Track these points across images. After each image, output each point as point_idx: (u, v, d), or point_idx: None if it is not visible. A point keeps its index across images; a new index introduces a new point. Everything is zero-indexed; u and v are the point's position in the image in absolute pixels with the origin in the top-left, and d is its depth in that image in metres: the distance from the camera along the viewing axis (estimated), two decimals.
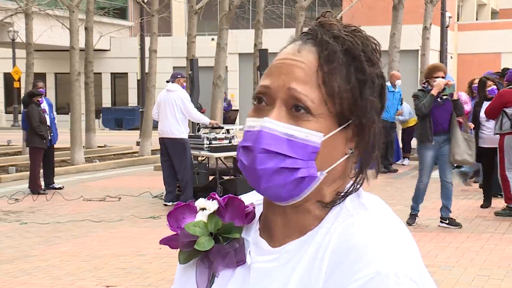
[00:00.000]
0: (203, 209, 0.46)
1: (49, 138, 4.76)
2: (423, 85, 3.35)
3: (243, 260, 0.45)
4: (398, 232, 0.42)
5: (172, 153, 4.10)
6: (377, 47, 0.44)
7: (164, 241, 0.47)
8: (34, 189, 4.81)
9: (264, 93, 0.43)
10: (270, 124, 0.42)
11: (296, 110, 0.42)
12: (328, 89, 0.42)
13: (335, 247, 0.41)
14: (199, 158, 4.60)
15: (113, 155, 7.50)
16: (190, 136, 4.27)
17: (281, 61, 0.43)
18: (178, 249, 0.47)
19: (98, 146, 7.97)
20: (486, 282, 2.47)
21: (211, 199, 0.47)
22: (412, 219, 3.44)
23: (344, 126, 0.42)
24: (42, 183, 4.89)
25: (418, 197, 3.40)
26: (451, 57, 13.46)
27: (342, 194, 0.43)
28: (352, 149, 0.43)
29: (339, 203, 0.43)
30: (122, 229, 3.55)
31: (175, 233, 0.46)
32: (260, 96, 0.43)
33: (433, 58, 9.16)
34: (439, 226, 3.40)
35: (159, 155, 4.43)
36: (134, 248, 3.05)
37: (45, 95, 5.28)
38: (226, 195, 0.47)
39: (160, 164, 4.47)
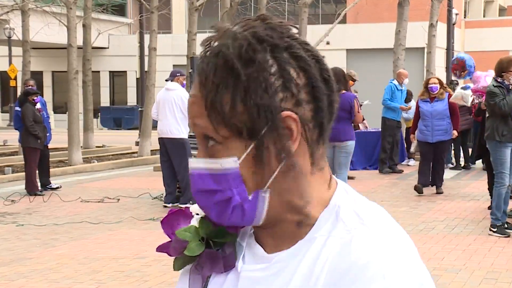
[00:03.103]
0: (197, 214, 0.46)
1: (45, 138, 4.71)
2: (498, 80, 3.08)
3: (232, 266, 0.44)
4: (399, 248, 0.40)
5: (171, 153, 4.06)
6: (263, 36, 0.41)
7: (160, 249, 0.46)
8: (31, 190, 4.75)
9: None
10: (193, 164, 0.43)
11: (208, 143, 0.42)
12: (213, 115, 0.41)
13: (332, 266, 0.40)
14: None
15: (112, 155, 7.44)
16: (190, 136, 4.22)
17: (187, 100, 0.44)
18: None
19: (96, 146, 7.90)
20: (494, 285, 2.44)
21: None
22: (501, 229, 3.11)
23: (255, 141, 0.41)
24: (39, 183, 4.83)
25: (501, 204, 3.11)
26: None
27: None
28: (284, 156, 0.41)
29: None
30: (121, 231, 3.50)
31: (171, 240, 0.46)
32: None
33: (439, 56, 9.06)
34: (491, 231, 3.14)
35: (159, 156, 4.39)
36: (133, 251, 3.01)
37: (42, 94, 5.32)
38: None
39: (159, 164, 4.44)
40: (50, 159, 6.52)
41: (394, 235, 0.41)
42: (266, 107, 0.40)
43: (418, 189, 4.36)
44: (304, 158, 0.42)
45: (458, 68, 4.85)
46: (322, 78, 0.42)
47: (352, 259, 0.39)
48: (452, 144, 5.88)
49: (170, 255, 0.46)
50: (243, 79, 0.40)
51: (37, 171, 4.77)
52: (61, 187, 4.91)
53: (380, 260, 0.39)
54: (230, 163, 0.41)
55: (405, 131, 6.16)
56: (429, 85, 4.31)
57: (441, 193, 4.40)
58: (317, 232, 0.42)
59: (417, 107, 4.44)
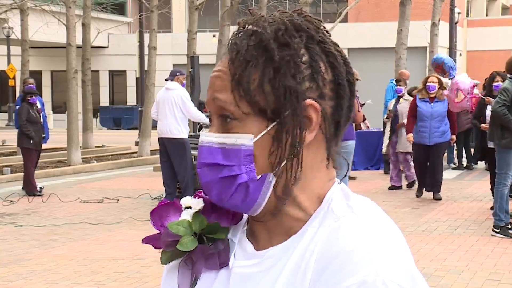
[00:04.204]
0: (188, 207, 0.45)
1: (38, 138, 4.62)
2: None
3: (226, 263, 0.44)
4: (387, 236, 0.40)
5: (171, 153, 4.04)
6: (301, 25, 0.42)
7: (146, 240, 0.46)
8: (30, 190, 4.71)
9: (207, 110, 0.44)
10: (205, 138, 0.43)
11: (225, 119, 0.42)
12: (238, 90, 0.41)
13: (320, 253, 0.40)
14: None
15: (111, 155, 7.41)
16: (190, 136, 4.22)
17: (210, 76, 0.44)
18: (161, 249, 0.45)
19: (95, 146, 7.87)
20: (496, 286, 2.43)
21: (197, 197, 0.46)
22: (504, 230, 3.09)
23: (276, 122, 0.41)
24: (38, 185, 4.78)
25: (503, 205, 3.08)
26: (460, 54, 13.26)
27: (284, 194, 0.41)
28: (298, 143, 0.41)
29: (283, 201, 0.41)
30: (120, 232, 3.48)
31: (159, 232, 0.45)
32: (208, 112, 0.45)
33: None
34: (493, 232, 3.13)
35: (159, 156, 4.36)
36: (133, 252, 2.99)
37: (41, 94, 5.29)
38: None
39: (159, 164, 4.40)
40: (49, 159, 6.52)
41: (383, 224, 0.40)
42: (293, 90, 0.41)
43: (419, 194, 4.20)
44: (316, 152, 0.42)
45: (438, 71, 4.39)
46: (347, 79, 0.43)
47: (340, 245, 0.39)
48: (455, 144, 5.79)
49: (155, 247, 0.45)
50: (276, 60, 0.41)
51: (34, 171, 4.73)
52: (43, 188, 4.78)
53: (368, 246, 0.38)
54: (245, 139, 0.41)
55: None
56: (427, 84, 4.04)
57: (440, 199, 4.13)
58: (309, 226, 0.42)
59: (415, 106, 4.09)
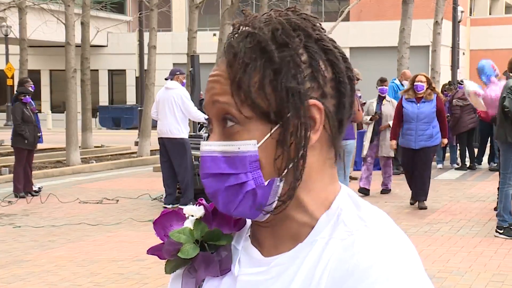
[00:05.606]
0: (191, 216, 0.45)
1: (33, 138, 4.59)
2: None
3: (228, 269, 0.43)
4: (402, 251, 0.40)
5: (171, 153, 4.02)
6: (298, 24, 0.41)
7: (151, 251, 0.45)
8: (15, 191, 4.67)
9: (207, 116, 0.43)
10: (206, 147, 0.42)
11: (226, 124, 0.41)
12: (239, 94, 0.41)
13: (334, 268, 0.39)
14: None
15: (111, 155, 7.39)
16: (190, 136, 4.20)
17: (208, 80, 0.43)
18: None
19: (95, 146, 7.86)
20: None
21: (198, 205, 0.46)
22: (507, 231, 3.04)
23: (279, 125, 0.40)
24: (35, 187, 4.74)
25: (508, 205, 3.02)
26: (463, 53, 13.32)
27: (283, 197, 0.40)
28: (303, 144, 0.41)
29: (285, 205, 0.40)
30: (120, 232, 3.47)
31: (163, 242, 0.45)
32: (207, 120, 0.44)
33: (444, 54, 9.09)
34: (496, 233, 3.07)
35: (159, 156, 4.35)
36: (133, 253, 2.97)
37: (40, 94, 5.26)
38: None
39: (159, 165, 4.39)
40: (48, 160, 6.49)
41: (397, 239, 0.40)
42: (295, 91, 0.40)
43: (413, 202, 3.88)
44: (320, 152, 0.42)
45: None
46: (347, 75, 0.42)
47: (355, 261, 0.39)
48: (458, 144, 5.73)
49: (161, 258, 0.44)
50: (276, 61, 0.40)
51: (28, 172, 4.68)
52: (42, 187, 4.77)
53: (384, 263, 0.38)
54: (249, 146, 0.40)
55: None
56: (415, 83, 3.74)
57: (425, 208, 3.79)
58: (317, 235, 0.41)
59: (400, 107, 3.80)
